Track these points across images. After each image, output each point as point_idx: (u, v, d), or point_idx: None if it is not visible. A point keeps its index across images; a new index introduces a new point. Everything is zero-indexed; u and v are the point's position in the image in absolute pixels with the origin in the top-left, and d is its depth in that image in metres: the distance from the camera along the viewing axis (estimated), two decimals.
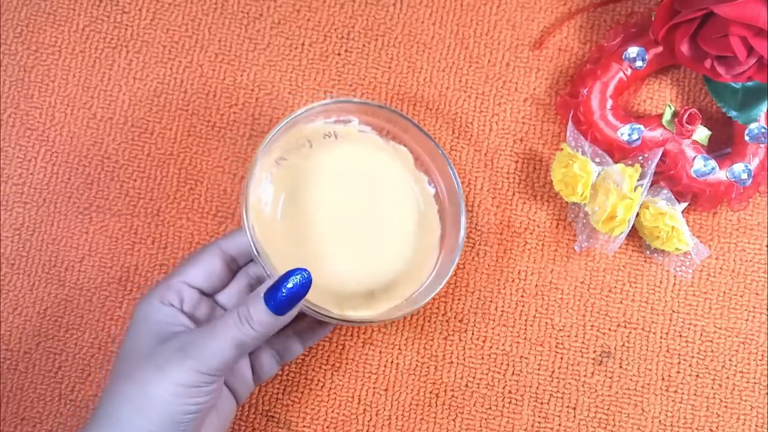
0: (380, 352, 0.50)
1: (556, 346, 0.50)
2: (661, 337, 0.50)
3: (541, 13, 0.53)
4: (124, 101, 0.52)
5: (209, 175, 0.51)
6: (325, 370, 0.50)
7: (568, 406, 0.49)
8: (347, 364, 0.50)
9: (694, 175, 0.49)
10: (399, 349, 0.50)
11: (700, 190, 0.49)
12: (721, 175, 0.49)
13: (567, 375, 0.50)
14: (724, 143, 0.51)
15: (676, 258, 0.50)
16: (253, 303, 0.40)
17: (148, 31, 0.53)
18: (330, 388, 0.50)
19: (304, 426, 0.49)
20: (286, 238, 0.45)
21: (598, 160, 0.48)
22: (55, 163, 0.52)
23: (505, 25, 0.53)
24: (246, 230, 0.42)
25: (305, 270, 0.40)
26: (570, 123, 0.49)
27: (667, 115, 0.49)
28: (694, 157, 0.49)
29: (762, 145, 0.49)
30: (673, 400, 0.50)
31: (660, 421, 0.49)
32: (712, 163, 0.48)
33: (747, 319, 0.50)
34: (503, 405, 0.49)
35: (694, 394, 0.50)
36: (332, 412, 0.49)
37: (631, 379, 0.50)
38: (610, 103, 0.50)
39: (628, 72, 0.50)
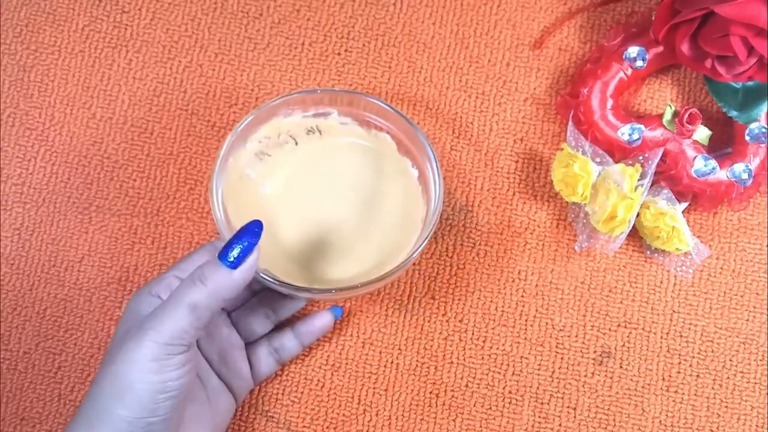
0: (380, 353, 0.50)
1: (557, 346, 0.50)
2: (661, 337, 0.50)
3: (542, 12, 0.53)
4: (123, 101, 0.52)
5: (209, 175, 0.51)
6: (324, 370, 0.50)
7: (568, 407, 0.49)
8: (347, 364, 0.50)
9: (694, 175, 0.48)
10: (399, 349, 0.50)
11: (700, 190, 0.49)
12: (722, 175, 0.49)
13: (567, 375, 0.50)
14: (725, 143, 0.51)
15: (677, 258, 0.50)
16: (207, 263, 0.39)
17: (147, 31, 0.53)
18: (330, 389, 0.50)
19: (303, 426, 0.49)
20: (265, 220, 0.46)
21: (598, 159, 0.48)
22: (54, 162, 0.52)
23: (506, 24, 0.53)
24: (213, 206, 0.44)
25: (256, 221, 0.40)
26: (570, 123, 0.49)
27: (668, 115, 0.49)
28: (695, 157, 0.49)
29: (762, 145, 0.49)
30: (673, 401, 0.49)
31: (660, 421, 0.49)
32: (713, 163, 0.48)
33: (747, 319, 0.50)
34: (503, 405, 0.49)
35: (695, 395, 0.50)
36: (332, 412, 0.49)
37: (631, 380, 0.50)
38: (610, 102, 0.50)
39: (629, 72, 0.50)
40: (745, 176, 0.48)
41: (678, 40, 0.48)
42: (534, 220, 0.51)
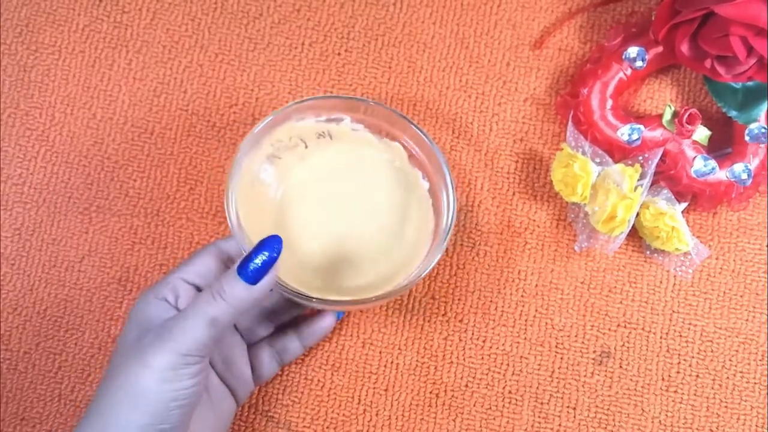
0: (380, 352, 0.50)
1: (556, 346, 0.50)
2: (661, 338, 0.50)
3: (542, 12, 0.53)
4: (124, 101, 0.52)
5: (209, 175, 0.51)
6: (325, 370, 0.50)
7: (568, 407, 0.49)
8: (347, 364, 0.50)
9: (694, 175, 0.48)
10: (399, 349, 0.50)
11: (700, 190, 0.49)
12: (721, 175, 0.49)
13: (567, 375, 0.50)
14: (724, 143, 0.51)
15: (676, 258, 0.50)
16: (226, 277, 0.39)
17: (148, 31, 0.53)
18: (330, 389, 0.50)
19: (304, 426, 0.49)
20: (278, 231, 0.46)
21: (598, 160, 0.48)
22: (54, 163, 0.52)
23: (506, 24, 0.53)
24: (227, 203, 0.43)
25: (276, 236, 0.40)
26: (570, 123, 0.49)
27: (667, 115, 0.49)
28: (694, 157, 0.49)
29: (762, 145, 0.49)
30: (673, 401, 0.50)
31: (660, 421, 0.49)
32: (712, 163, 0.48)
33: (747, 319, 0.50)
34: (503, 405, 0.49)
35: (694, 395, 0.50)
36: (332, 412, 0.49)
37: (631, 379, 0.50)
38: (610, 102, 0.50)
39: (629, 72, 0.50)
40: (744, 176, 0.48)
41: (678, 40, 0.48)
42: (534, 220, 0.51)
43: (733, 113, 0.50)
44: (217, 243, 0.45)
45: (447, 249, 0.51)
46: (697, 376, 0.50)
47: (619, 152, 0.49)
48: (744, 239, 0.51)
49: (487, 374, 0.50)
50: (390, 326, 0.50)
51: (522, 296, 0.51)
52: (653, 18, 0.49)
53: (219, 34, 0.53)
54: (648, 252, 0.51)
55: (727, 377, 0.50)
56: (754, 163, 0.49)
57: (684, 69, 0.53)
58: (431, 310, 0.50)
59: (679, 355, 0.50)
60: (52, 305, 0.50)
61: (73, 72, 0.52)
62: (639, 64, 0.49)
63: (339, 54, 0.53)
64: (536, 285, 0.51)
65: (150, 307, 0.42)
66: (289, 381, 0.50)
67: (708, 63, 0.48)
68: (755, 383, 0.50)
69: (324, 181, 0.48)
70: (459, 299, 0.50)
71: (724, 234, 0.51)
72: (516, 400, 0.50)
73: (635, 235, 0.50)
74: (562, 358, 0.50)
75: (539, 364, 0.50)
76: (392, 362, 0.50)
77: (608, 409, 0.49)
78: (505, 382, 0.50)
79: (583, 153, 0.48)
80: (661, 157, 0.48)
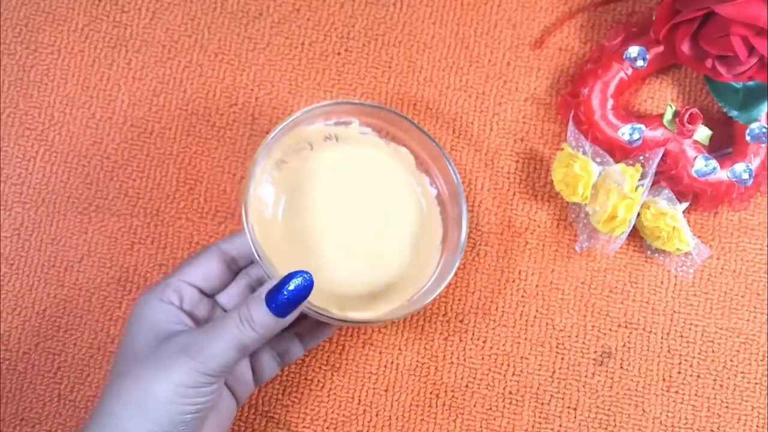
0: (380, 353, 0.50)
1: (557, 347, 0.50)
2: (662, 338, 0.50)
3: (542, 12, 0.53)
4: (123, 101, 0.52)
5: (209, 175, 0.51)
6: (325, 370, 0.50)
7: (568, 407, 0.49)
8: (347, 364, 0.50)
9: (695, 175, 0.48)
10: (399, 349, 0.50)
11: (701, 190, 0.49)
12: (722, 175, 0.49)
13: (568, 375, 0.50)
14: (725, 143, 0.50)
15: (677, 258, 0.50)
16: (254, 305, 0.40)
17: (147, 31, 0.53)
18: (330, 389, 0.49)
19: (303, 427, 0.49)
20: (287, 240, 0.45)
21: (599, 159, 0.48)
22: (54, 162, 0.51)
23: (506, 24, 0.53)
24: (246, 231, 0.42)
25: (307, 272, 0.40)
26: (571, 123, 0.49)
27: (668, 115, 0.49)
28: (695, 156, 0.49)
29: (763, 145, 0.49)
30: (674, 401, 0.49)
31: (661, 421, 0.49)
32: (713, 162, 0.48)
33: (748, 320, 0.50)
34: (504, 406, 0.49)
35: (695, 395, 0.49)
36: (332, 412, 0.49)
37: (632, 380, 0.50)
38: (610, 102, 0.50)
39: (629, 71, 0.50)
40: (745, 176, 0.48)
41: (678, 39, 0.48)
42: (534, 220, 0.51)
43: (733, 113, 0.50)
44: (219, 244, 0.45)
45: None
46: (698, 376, 0.50)
47: (619, 152, 0.49)
48: (745, 239, 0.51)
49: (487, 375, 0.50)
50: (390, 327, 0.50)
51: (522, 296, 0.50)
52: (654, 18, 0.49)
53: (218, 33, 0.53)
54: (649, 252, 0.51)
55: (728, 377, 0.50)
56: (755, 163, 0.49)
57: (685, 69, 0.53)
58: (431, 311, 0.50)
59: (680, 355, 0.50)
60: (51, 305, 0.50)
61: (72, 71, 0.52)
62: (640, 63, 0.49)
63: (339, 54, 0.53)
64: (537, 285, 0.51)
65: (157, 312, 0.42)
66: (289, 381, 0.49)
67: (709, 63, 0.48)
68: (756, 383, 0.50)
69: (324, 184, 0.47)
70: (459, 299, 0.50)
71: (725, 234, 0.51)
72: (516, 400, 0.49)
73: (636, 235, 0.50)
74: (562, 359, 0.50)
75: (540, 365, 0.50)
76: (392, 362, 0.50)
77: (609, 409, 0.49)
78: (506, 382, 0.50)
79: (584, 153, 0.48)
80: (662, 157, 0.48)
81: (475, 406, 0.49)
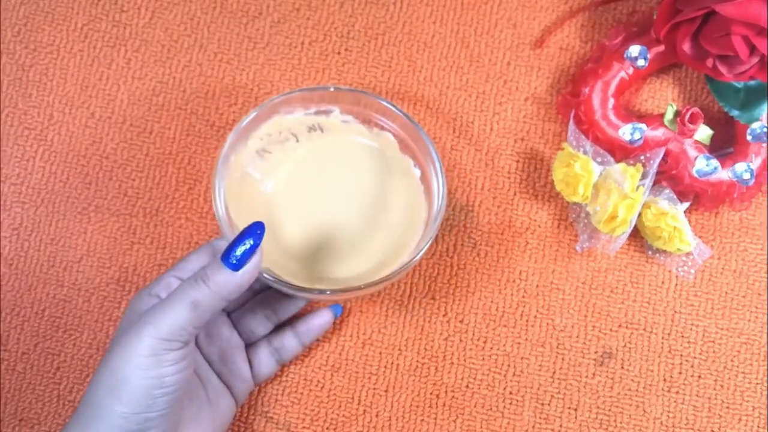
0: (380, 353, 0.50)
1: (557, 347, 0.50)
2: (662, 338, 0.50)
3: (542, 11, 0.53)
4: (122, 100, 0.52)
5: (208, 174, 0.51)
6: (324, 371, 0.50)
7: (569, 407, 0.49)
8: (347, 364, 0.50)
9: (696, 175, 0.48)
10: (399, 350, 0.50)
11: (702, 189, 0.49)
12: (723, 174, 0.49)
13: (568, 376, 0.50)
14: (726, 143, 0.50)
15: (678, 258, 0.50)
16: (210, 264, 0.40)
17: (146, 30, 0.53)
18: (330, 389, 0.49)
19: (303, 427, 0.49)
20: (266, 218, 0.46)
21: (599, 159, 0.48)
22: (53, 162, 0.51)
23: (506, 23, 0.53)
24: (214, 196, 0.44)
25: (259, 223, 0.40)
26: (571, 122, 0.49)
27: (669, 115, 0.49)
28: (696, 156, 0.48)
29: (764, 145, 0.49)
30: (674, 401, 0.49)
31: (662, 422, 0.49)
32: (714, 162, 0.48)
33: (749, 320, 0.50)
34: (504, 406, 0.49)
35: (696, 395, 0.49)
36: (332, 413, 0.49)
37: (632, 380, 0.50)
38: (611, 102, 0.49)
39: (630, 71, 0.50)
40: (746, 176, 0.48)
41: (679, 39, 0.48)
42: (535, 220, 0.51)
43: (735, 112, 0.49)
44: (212, 242, 0.45)
45: (447, 249, 0.51)
46: (699, 376, 0.50)
47: (620, 152, 0.49)
48: (746, 239, 0.51)
49: (487, 375, 0.50)
50: (390, 327, 0.50)
51: (523, 297, 0.50)
52: (654, 17, 0.49)
53: (218, 33, 0.53)
54: (650, 252, 0.51)
55: (729, 378, 0.50)
56: (756, 163, 0.49)
57: (685, 68, 0.53)
58: (432, 311, 0.50)
59: (680, 355, 0.50)
60: (50, 305, 0.50)
61: (71, 71, 0.52)
62: (640, 63, 0.49)
63: (339, 53, 0.53)
64: (537, 285, 0.50)
65: (141, 304, 0.42)
66: (288, 382, 0.49)
67: (710, 62, 0.48)
68: (757, 384, 0.49)
69: (311, 172, 0.48)
70: (459, 300, 0.50)
71: (726, 234, 0.51)
72: (517, 401, 0.49)
73: (637, 235, 0.50)
74: (563, 359, 0.50)
75: (540, 365, 0.50)
76: (392, 363, 0.50)
77: (610, 409, 0.49)
78: (506, 382, 0.50)
79: (585, 152, 0.48)
80: (662, 157, 0.48)
81: (475, 406, 0.49)
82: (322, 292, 0.45)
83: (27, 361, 0.49)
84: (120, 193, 0.51)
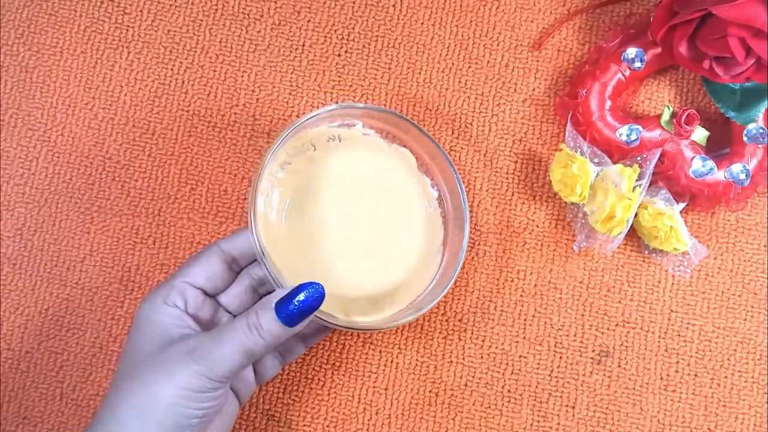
0: (380, 352, 0.50)
1: (555, 346, 0.50)
2: (659, 337, 0.50)
3: (540, 14, 0.54)
4: (125, 102, 0.52)
5: (210, 175, 0.52)
6: (325, 369, 0.50)
7: (567, 405, 0.50)
8: (347, 363, 0.50)
9: (692, 176, 0.49)
10: (399, 348, 0.50)
11: (698, 190, 0.49)
12: (720, 175, 0.49)
13: (566, 374, 0.50)
14: (723, 144, 0.51)
15: (675, 258, 0.50)
16: (263, 312, 0.40)
17: (149, 32, 0.53)
18: (330, 387, 0.50)
19: (304, 425, 0.49)
20: (291, 244, 0.45)
21: (596, 160, 0.48)
22: (56, 163, 0.52)
23: (505, 26, 0.53)
24: (254, 238, 0.42)
25: (318, 284, 0.40)
26: (569, 123, 0.49)
27: (666, 116, 0.49)
28: (693, 157, 0.49)
29: (760, 146, 0.49)
30: (671, 400, 0.50)
31: (659, 420, 0.49)
32: (711, 163, 0.48)
33: (745, 319, 0.50)
34: (502, 404, 0.50)
35: (693, 394, 0.50)
36: (332, 411, 0.49)
37: (629, 379, 0.50)
38: (608, 103, 0.50)
39: (627, 73, 0.50)
40: (742, 177, 0.49)
41: (676, 41, 0.48)
42: (533, 220, 0.52)
43: (731, 114, 0.50)
44: (219, 244, 0.45)
45: None
46: (696, 375, 0.50)
47: (617, 153, 0.49)
48: (742, 239, 0.51)
49: (486, 373, 0.50)
50: None
51: (521, 296, 0.51)
52: (651, 19, 0.49)
53: (220, 35, 0.53)
54: (646, 252, 0.51)
55: (726, 376, 0.50)
56: (752, 164, 0.49)
57: (682, 70, 0.53)
58: (431, 310, 0.50)
59: (677, 354, 0.50)
60: (53, 305, 0.50)
61: (74, 73, 0.53)
62: (637, 65, 0.50)
63: (339, 55, 0.53)
64: (535, 284, 0.51)
65: (163, 316, 0.42)
66: (289, 380, 0.50)
67: (706, 64, 0.48)
68: (753, 382, 0.50)
69: (340, 193, 0.47)
70: (458, 299, 0.51)
71: (723, 234, 0.51)
72: (515, 399, 0.50)
73: (634, 235, 0.51)
74: (561, 358, 0.50)
75: (538, 364, 0.50)
76: (392, 361, 0.50)
77: (607, 408, 0.50)
78: (504, 381, 0.50)
79: (582, 153, 0.48)
80: (659, 158, 0.48)
81: (474, 404, 0.50)
82: (361, 329, 0.45)
83: (30, 360, 0.50)
84: (123, 193, 0.51)
